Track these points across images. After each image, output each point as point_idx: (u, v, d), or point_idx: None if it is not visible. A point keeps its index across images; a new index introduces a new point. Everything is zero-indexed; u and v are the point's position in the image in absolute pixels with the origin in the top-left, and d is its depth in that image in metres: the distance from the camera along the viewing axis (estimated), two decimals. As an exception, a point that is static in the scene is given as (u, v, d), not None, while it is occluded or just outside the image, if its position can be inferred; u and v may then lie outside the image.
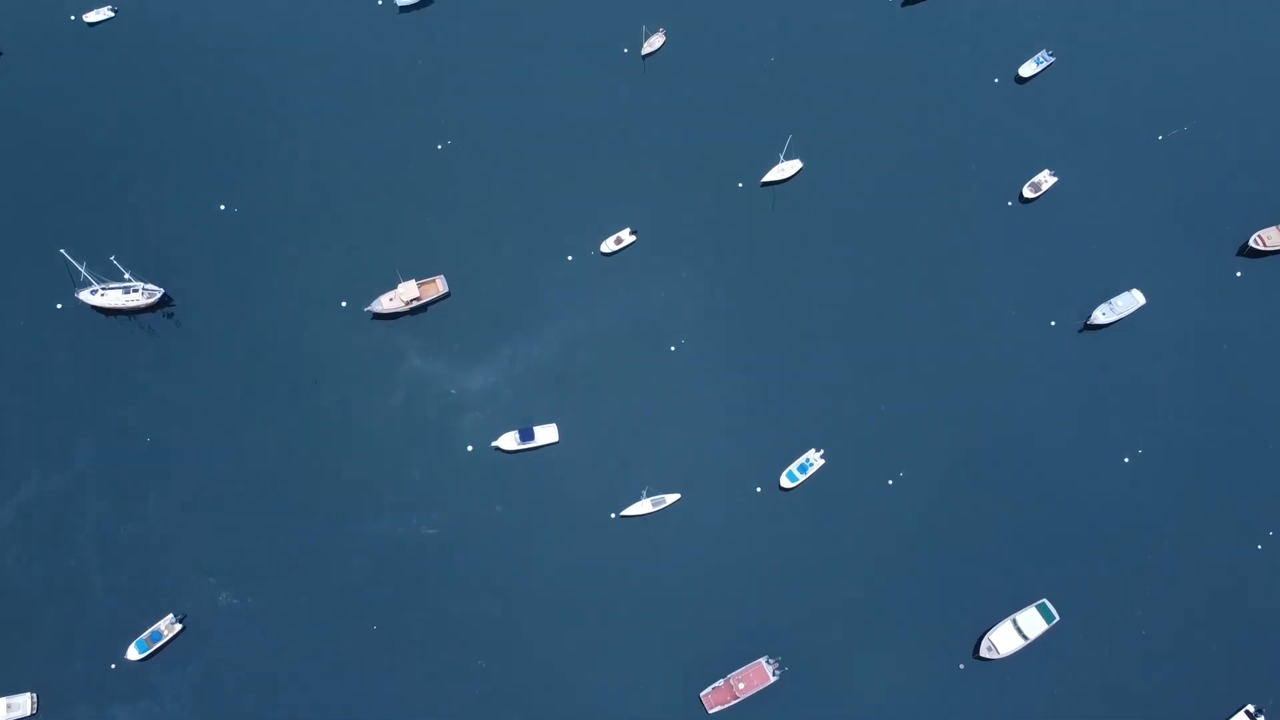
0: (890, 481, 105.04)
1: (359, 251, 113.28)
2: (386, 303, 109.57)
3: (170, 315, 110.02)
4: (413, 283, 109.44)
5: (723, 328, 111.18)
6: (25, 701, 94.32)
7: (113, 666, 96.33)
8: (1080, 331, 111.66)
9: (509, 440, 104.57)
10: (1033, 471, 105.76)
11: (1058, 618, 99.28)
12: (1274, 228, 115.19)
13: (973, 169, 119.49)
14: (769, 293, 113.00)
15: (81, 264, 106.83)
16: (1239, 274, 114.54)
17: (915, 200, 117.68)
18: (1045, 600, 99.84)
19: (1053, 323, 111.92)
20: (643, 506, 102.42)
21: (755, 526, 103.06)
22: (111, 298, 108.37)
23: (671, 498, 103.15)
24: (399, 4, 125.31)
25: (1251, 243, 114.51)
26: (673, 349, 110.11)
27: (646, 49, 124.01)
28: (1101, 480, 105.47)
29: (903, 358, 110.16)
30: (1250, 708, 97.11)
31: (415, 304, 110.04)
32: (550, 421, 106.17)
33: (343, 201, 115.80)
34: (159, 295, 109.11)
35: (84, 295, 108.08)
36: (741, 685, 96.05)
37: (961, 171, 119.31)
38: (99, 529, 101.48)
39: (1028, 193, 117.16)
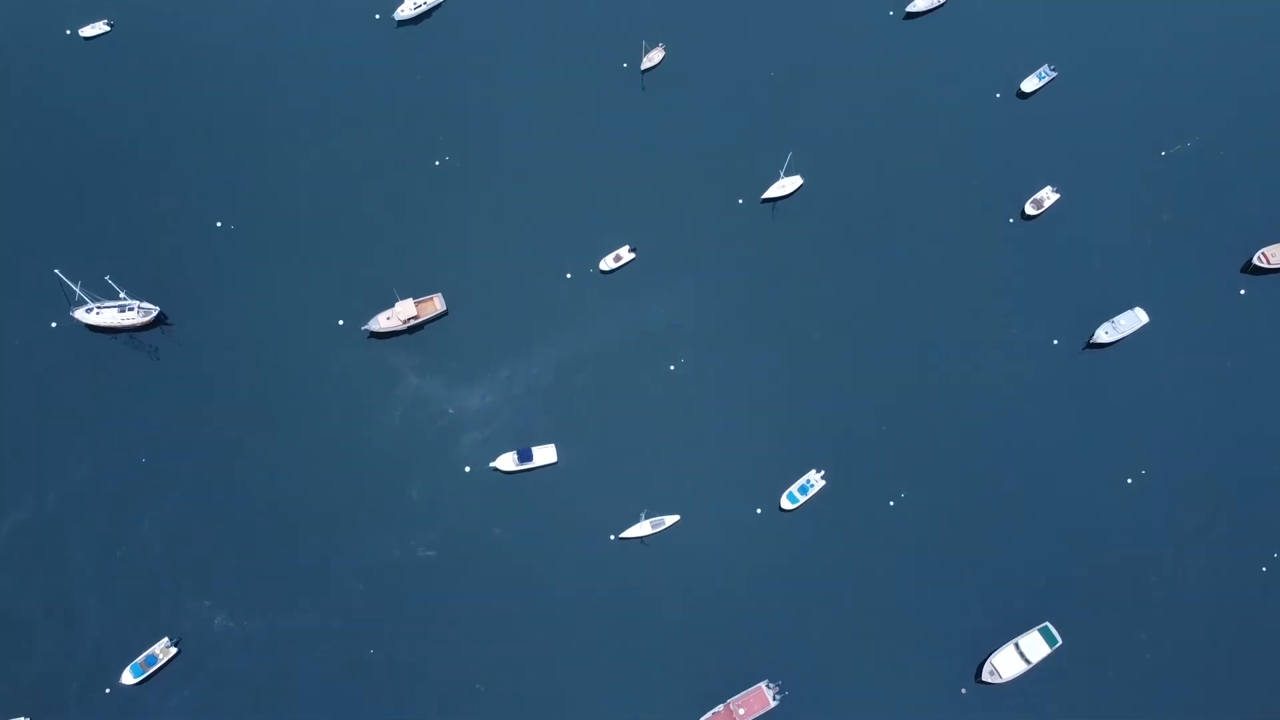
0: (891, 503, 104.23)
1: (356, 269, 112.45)
2: (384, 321, 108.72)
3: (166, 333, 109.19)
4: (410, 301, 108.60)
5: (722, 346, 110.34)
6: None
7: (107, 691, 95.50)
8: (1083, 350, 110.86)
9: (507, 461, 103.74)
10: (1035, 492, 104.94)
11: (1060, 641, 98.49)
12: (1278, 245, 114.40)
13: (974, 185, 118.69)
14: (769, 311, 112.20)
15: (76, 284, 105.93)
16: (1242, 292, 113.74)
17: (916, 217, 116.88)
18: (1048, 623, 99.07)
19: (1055, 341, 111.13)
20: (642, 528, 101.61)
21: (755, 548, 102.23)
22: (107, 316, 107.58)
23: (671, 519, 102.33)
24: (397, 18, 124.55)
25: (1255, 260, 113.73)
26: (672, 368, 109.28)
27: (646, 64, 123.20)
28: (1104, 501, 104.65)
29: (903, 377, 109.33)
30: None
31: (413, 322, 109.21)
32: (549, 442, 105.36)
33: (340, 218, 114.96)
34: (154, 314, 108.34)
35: (79, 314, 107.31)
36: (742, 710, 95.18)
37: (963, 188, 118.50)
38: (93, 551, 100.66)
39: (1029, 209, 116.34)
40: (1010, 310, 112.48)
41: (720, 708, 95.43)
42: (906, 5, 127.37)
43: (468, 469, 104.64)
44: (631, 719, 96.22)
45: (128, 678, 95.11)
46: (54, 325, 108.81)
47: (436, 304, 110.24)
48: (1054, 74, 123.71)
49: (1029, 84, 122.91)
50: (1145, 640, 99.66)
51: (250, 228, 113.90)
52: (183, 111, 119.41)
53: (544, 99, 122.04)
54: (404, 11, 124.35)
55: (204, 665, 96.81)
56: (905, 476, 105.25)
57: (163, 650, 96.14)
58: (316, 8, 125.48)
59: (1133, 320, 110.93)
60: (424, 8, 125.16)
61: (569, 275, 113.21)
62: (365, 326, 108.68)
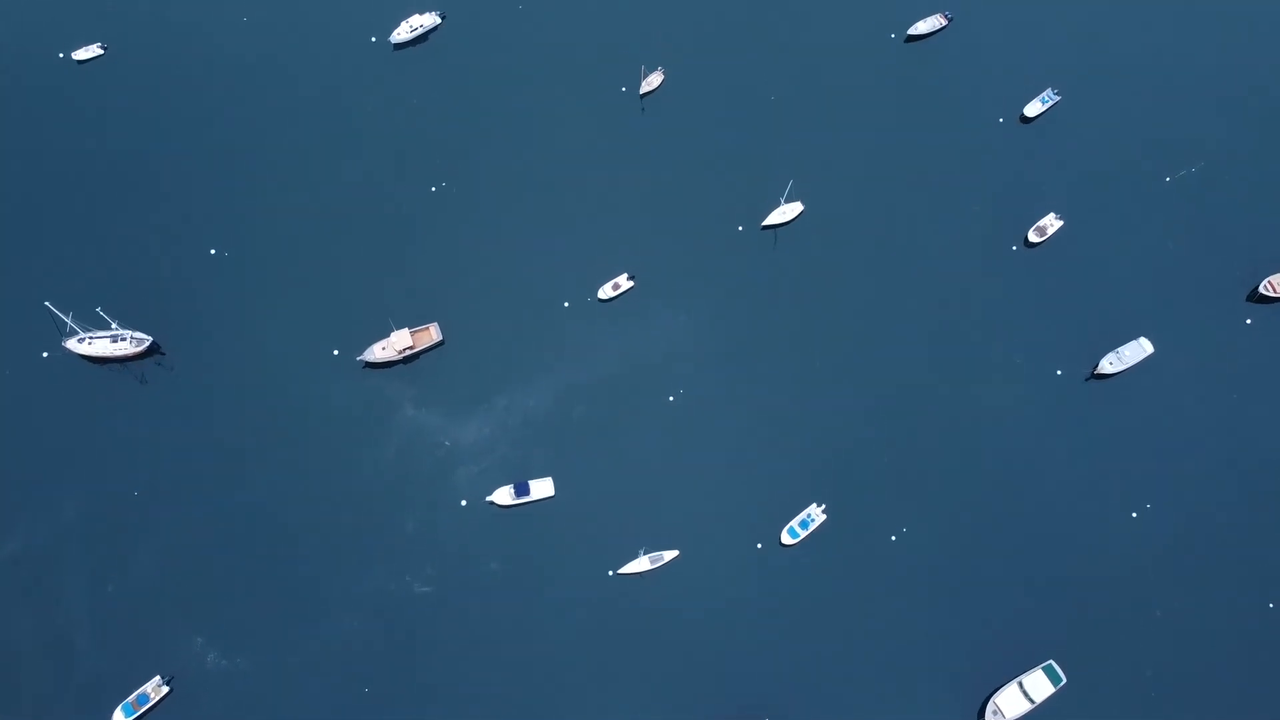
0: (893, 537, 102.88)
1: (351, 298, 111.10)
2: (379, 351, 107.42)
3: (159, 363, 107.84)
4: (406, 331, 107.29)
5: (722, 377, 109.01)
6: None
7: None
8: (1087, 381, 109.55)
9: (504, 495, 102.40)
10: (1038, 527, 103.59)
11: (1064, 680, 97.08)
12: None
13: (976, 212, 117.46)
14: (769, 340, 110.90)
15: (67, 314, 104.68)
16: (1248, 321, 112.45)
17: (918, 245, 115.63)
18: (1052, 662, 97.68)
19: (1059, 372, 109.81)
20: (640, 564, 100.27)
21: (755, 584, 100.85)
22: (99, 346, 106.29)
23: (670, 554, 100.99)
24: (393, 42, 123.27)
25: (1261, 289, 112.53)
26: (671, 399, 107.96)
27: (645, 88, 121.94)
28: (1109, 536, 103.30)
29: (905, 408, 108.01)
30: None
31: (408, 352, 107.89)
32: (546, 475, 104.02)
33: (335, 245, 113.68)
34: (147, 343, 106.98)
35: (71, 344, 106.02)
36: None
37: (965, 215, 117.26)
38: (85, 586, 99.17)
39: (1033, 237, 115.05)
40: (1013, 340, 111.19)
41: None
42: (908, 29, 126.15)
43: (464, 503, 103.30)
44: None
45: (119, 717, 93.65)
46: (45, 355, 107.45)
47: (432, 334, 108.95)
48: (1057, 98, 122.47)
49: (1032, 108, 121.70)
50: (1151, 678, 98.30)
51: (244, 255, 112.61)
52: (176, 136, 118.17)
53: (541, 123, 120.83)
54: (400, 35, 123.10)
55: (197, 704, 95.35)
56: (907, 510, 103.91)
57: (154, 689, 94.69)
58: (312, 31, 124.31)
59: (1137, 351, 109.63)
60: (420, 31, 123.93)
61: (567, 304, 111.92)
62: (360, 357, 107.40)
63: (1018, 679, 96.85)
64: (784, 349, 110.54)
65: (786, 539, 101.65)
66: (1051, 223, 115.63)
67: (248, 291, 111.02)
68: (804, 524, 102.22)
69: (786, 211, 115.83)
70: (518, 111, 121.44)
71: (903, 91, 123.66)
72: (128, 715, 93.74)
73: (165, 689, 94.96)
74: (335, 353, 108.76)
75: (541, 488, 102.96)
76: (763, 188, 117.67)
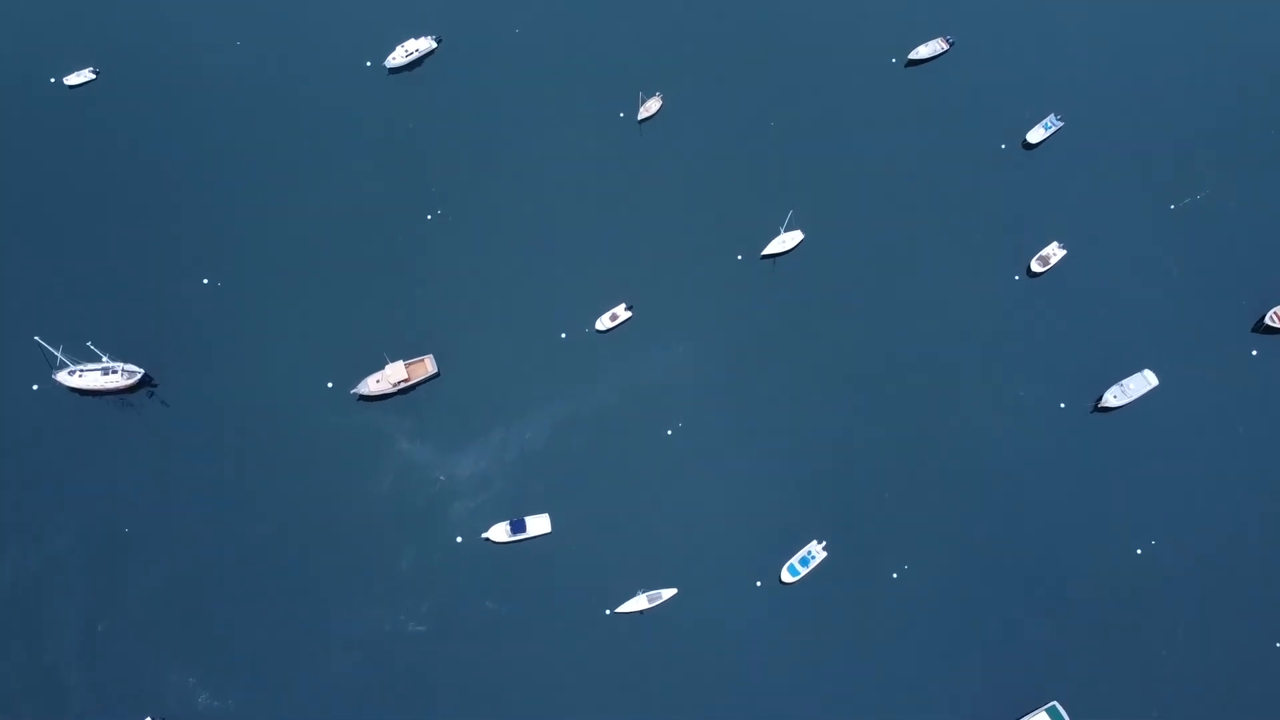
0: (894, 575, 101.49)
1: (345, 329, 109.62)
2: (373, 384, 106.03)
3: (151, 395, 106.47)
4: (400, 364, 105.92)
5: (722, 410, 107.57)
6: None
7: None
8: (1091, 414, 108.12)
9: (499, 532, 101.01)
10: (1041, 564, 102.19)
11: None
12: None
13: (978, 241, 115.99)
14: (770, 372, 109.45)
15: (58, 348, 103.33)
16: (1254, 353, 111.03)
17: (920, 274, 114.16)
18: (1055, 703, 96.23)
19: (1062, 405, 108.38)
20: (638, 603, 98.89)
21: (755, 623, 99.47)
22: (90, 379, 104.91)
23: (668, 593, 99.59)
24: (388, 66, 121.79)
25: (1267, 319, 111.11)
26: (669, 433, 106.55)
27: (643, 114, 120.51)
28: (1113, 573, 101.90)
29: (906, 443, 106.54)
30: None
31: (403, 385, 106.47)
32: (542, 511, 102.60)
33: (329, 275, 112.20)
34: (139, 376, 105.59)
35: (61, 376, 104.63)
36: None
37: (967, 244, 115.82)
38: (74, 624, 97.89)
39: (1036, 266, 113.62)
40: (1016, 372, 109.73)
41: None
42: (909, 53, 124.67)
43: (459, 539, 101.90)
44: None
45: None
46: (35, 388, 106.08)
47: (428, 366, 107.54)
48: (1060, 124, 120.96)
49: (1035, 134, 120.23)
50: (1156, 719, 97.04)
51: (238, 285, 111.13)
52: (170, 163, 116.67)
53: (538, 150, 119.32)
54: (395, 59, 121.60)
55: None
56: (908, 548, 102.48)
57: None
58: (306, 56, 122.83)
59: (1141, 383, 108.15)
60: (416, 55, 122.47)
61: (564, 335, 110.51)
62: (355, 390, 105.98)
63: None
64: (784, 380, 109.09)
65: (787, 577, 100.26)
66: (1055, 252, 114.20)
67: (241, 323, 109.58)
68: (804, 561, 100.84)
69: (786, 240, 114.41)
70: (514, 137, 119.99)
71: (903, 117, 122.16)
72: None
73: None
74: (329, 385, 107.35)
75: (538, 524, 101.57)
76: (762, 216, 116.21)
